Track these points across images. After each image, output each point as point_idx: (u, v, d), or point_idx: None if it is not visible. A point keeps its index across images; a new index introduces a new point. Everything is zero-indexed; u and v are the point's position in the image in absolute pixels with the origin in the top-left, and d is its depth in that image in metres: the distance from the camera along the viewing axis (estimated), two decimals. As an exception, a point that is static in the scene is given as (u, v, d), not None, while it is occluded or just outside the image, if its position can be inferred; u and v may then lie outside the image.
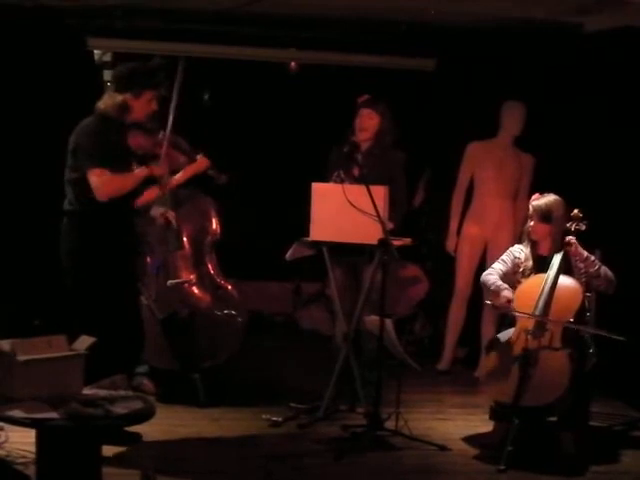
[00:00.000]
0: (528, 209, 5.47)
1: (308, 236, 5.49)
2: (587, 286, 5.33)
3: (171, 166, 5.55)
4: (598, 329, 5.24)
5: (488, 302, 5.35)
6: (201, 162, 5.66)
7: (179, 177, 5.66)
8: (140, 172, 5.17)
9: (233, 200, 6.66)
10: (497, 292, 5.24)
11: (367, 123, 5.90)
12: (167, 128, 5.55)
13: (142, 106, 5.13)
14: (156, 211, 5.89)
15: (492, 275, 5.34)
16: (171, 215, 5.90)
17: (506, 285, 5.27)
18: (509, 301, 5.16)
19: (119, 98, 5.07)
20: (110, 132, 5.01)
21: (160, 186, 5.43)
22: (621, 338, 5.01)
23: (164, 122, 5.57)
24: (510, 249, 5.47)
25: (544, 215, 5.30)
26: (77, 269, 5.07)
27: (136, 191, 5.23)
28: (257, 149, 7.53)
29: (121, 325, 5.07)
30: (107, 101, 5.11)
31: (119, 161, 5.05)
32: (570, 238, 5.23)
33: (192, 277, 5.93)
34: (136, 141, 5.20)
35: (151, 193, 5.47)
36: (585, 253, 5.25)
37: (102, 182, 4.96)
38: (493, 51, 7.18)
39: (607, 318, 5.53)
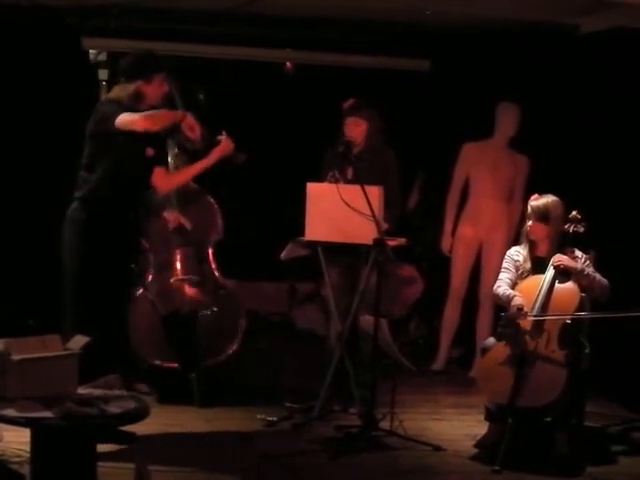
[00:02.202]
0: (523, 210, 5.47)
1: (303, 236, 5.48)
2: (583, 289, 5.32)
3: (189, 146, 5.52)
4: (597, 312, 5.22)
5: (503, 314, 5.32)
6: (226, 144, 5.49)
7: (206, 161, 5.53)
8: (176, 113, 5.16)
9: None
10: (508, 302, 5.21)
11: (354, 131, 5.89)
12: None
13: (155, 90, 5.16)
14: (171, 214, 5.88)
15: (501, 287, 5.31)
16: (185, 221, 5.90)
17: (515, 293, 5.22)
18: (519, 309, 5.14)
19: (131, 88, 5.09)
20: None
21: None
22: (624, 314, 5.04)
23: None
24: (508, 254, 5.44)
25: (542, 215, 5.29)
26: (80, 254, 5.07)
27: (147, 175, 5.22)
28: (253, 149, 7.51)
29: (116, 322, 5.08)
30: (119, 92, 5.14)
31: (134, 148, 5.06)
32: (559, 259, 5.21)
33: (195, 275, 5.93)
34: None
35: (186, 174, 5.52)
36: (578, 267, 5.22)
37: (133, 117, 4.95)
38: (489, 52, 7.19)
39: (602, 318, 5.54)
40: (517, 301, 5.15)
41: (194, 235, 5.98)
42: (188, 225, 5.92)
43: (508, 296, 5.21)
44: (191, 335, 5.77)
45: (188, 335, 5.77)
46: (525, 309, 5.11)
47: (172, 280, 5.87)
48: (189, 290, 5.88)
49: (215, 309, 5.92)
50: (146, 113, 4.99)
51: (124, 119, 4.94)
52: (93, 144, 5.11)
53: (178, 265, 5.92)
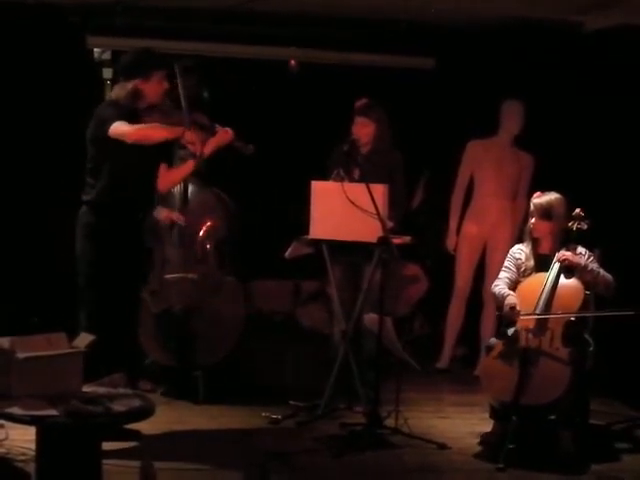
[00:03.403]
0: (528, 208, 5.48)
1: (308, 234, 5.48)
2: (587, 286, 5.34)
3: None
4: (602, 311, 5.21)
5: (497, 314, 5.35)
6: (222, 134, 5.32)
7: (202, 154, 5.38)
8: (176, 129, 5.06)
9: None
10: (502, 301, 5.24)
11: (361, 132, 5.91)
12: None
13: (153, 88, 5.11)
14: (160, 213, 5.88)
15: (498, 286, 5.35)
16: (176, 216, 5.89)
17: (509, 292, 5.26)
18: (512, 308, 5.16)
19: (129, 86, 5.07)
20: (125, 115, 4.99)
21: (194, 162, 5.31)
22: (630, 312, 5.07)
23: None
24: (510, 252, 5.46)
25: (545, 212, 5.30)
26: (89, 259, 5.06)
27: (155, 177, 5.21)
28: (257, 147, 7.52)
29: (123, 321, 5.08)
30: (119, 91, 5.11)
31: (135, 151, 5.04)
32: (563, 255, 5.21)
33: (193, 274, 5.92)
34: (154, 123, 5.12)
35: (181, 172, 5.43)
36: (582, 262, 5.23)
37: (128, 127, 4.91)
38: (493, 50, 7.19)
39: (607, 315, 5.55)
40: (510, 300, 5.18)
41: (193, 233, 5.97)
42: (181, 221, 5.90)
43: (503, 295, 5.25)
44: (185, 333, 5.77)
45: (181, 333, 5.77)
46: (518, 308, 5.14)
47: (169, 277, 5.86)
48: (182, 288, 5.87)
49: (212, 307, 5.90)
50: (140, 127, 4.95)
51: (116, 129, 4.90)
52: (93, 148, 5.07)
53: (174, 263, 5.91)
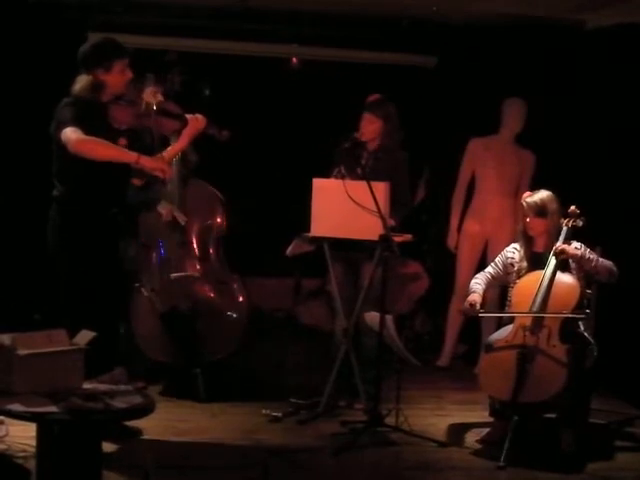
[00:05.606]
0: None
1: (309, 232, 5.48)
2: (588, 282, 5.35)
3: (164, 132, 5.34)
4: (554, 313, 5.20)
5: (458, 309, 5.45)
6: (194, 122, 5.13)
7: (177, 146, 5.21)
8: (128, 154, 4.83)
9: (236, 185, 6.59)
10: (467, 296, 5.35)
11: (367, 128, 5.88)
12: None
13: (116, 78, 4.92)
14: (164, 208, 5.86)
15: (476, 279, 5.45)
16: (179, 215, 5.87)
17: (476, 289, 5.34)
18: (471, 305, 5.23)
19: (90, 77, 4.92)
20: (86, 112, 4.83)
21: (160, 177, 5.10)
22: (583, 315, 5.15)
23: None
24: (505, 250, 5.51)
25: (539, 210, 5.32)
26: (64, 256, 4.98)
27: (129, 170, 5.05)
28: (258, 145, 7.53)
29: (114, 317, 5.04)
30: (80, 85, 4.94)
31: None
32: (560, 246, 5.23)
33: (196, 272, 5.92)
34: (118, 115, 4.96)
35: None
36: (579, 253, 5.24)
37: (76, 136, 4.69)
38: (495, 48, 7.19)
39: (608, 314, 5.56)
40: (471, 297, 5.28)
41: (196, 231, 5.97)
42: (182, 220, 5.87)
43: (470, 290, 5.35)
44: (191, 331, 5.77)
45: (188, 332, 5.76)
46: (478, 307, 5.23)
47: (170, 277, 5.85)
48: (188, 287, 5.86)
49: (215, 305, 5.90)
50: (86, 139, 4.71)
51: (64, 134, 4.71)
52: (55, 147, 4.95)
53: (177, 262, 5.89)
